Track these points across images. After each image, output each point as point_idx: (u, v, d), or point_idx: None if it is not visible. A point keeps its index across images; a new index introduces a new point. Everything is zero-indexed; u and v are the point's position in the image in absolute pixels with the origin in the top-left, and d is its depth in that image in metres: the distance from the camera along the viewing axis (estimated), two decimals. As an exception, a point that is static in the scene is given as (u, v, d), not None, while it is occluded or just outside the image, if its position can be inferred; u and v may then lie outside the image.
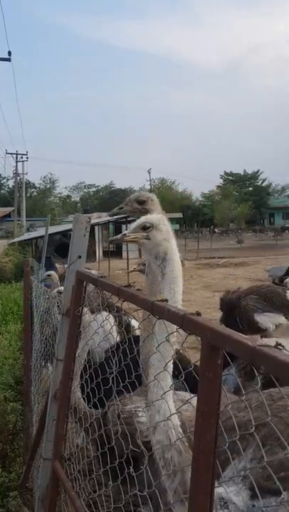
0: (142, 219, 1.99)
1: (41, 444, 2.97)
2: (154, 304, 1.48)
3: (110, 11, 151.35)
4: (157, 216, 2.01)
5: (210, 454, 1.24)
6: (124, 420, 2.22)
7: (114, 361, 2.17)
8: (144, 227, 1.94)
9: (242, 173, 67.49)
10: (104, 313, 2.37)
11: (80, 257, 2.45)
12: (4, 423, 4.14)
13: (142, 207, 2.31)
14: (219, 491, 1.53)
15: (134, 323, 3.94)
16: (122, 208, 2.38)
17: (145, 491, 1.62)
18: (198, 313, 1.33)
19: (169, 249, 1.92)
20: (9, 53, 20.54)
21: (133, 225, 1.99)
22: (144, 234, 1.93)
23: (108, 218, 27.82)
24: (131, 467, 1.76)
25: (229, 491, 1.57)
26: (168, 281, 1.87)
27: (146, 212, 2.32)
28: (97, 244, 28.22)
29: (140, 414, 2.28)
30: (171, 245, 1.94)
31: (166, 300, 1.56)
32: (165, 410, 1.65)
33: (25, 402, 4.26)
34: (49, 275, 5.17)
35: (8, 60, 20.34)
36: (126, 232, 2.00)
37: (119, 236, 1.97)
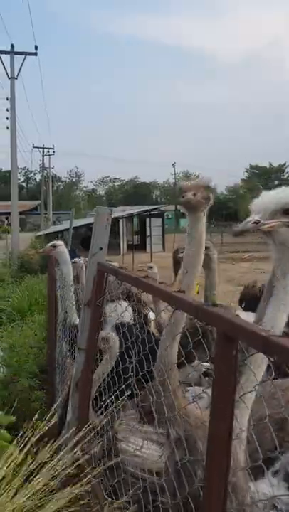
0: (283, 197, 1.41)
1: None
2: (172, 295, 1.51)
3: (124, 4, 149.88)
4: None
5: (224, 446, 1.24)
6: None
7: (133, 352, 2.20)
8: (287, 211, 1.38)
9: (267, 166, 66.47)
10: (124, 303, 2.41)
11: (101, 248, 2.49)
12: (29, 411, 4.24)
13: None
14: (265, 491, 1.48)
15: (152, 315, 3.97)
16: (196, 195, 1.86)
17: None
18: (215, 305, 1.36)
19: None
20: (36, 47, 20.68)
21: (266, 208, 1.39)
22: (287, 220, 1.37)
23: (132, 212, 27.91)
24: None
25: (273, 488, 1.51)
26: None
27: (208, 199, 1.89)
28: (121, 238, 28.37)
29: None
30: None
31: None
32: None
33: (50, 391, 4.35)
34: (74, 262, 4.91)
35: (35, 54, 20.51)
36: (256, 217, 1.38)
37: (249, 225, 1.38)
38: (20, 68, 20.09)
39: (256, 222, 1.36)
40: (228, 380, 1.22)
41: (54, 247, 4.32)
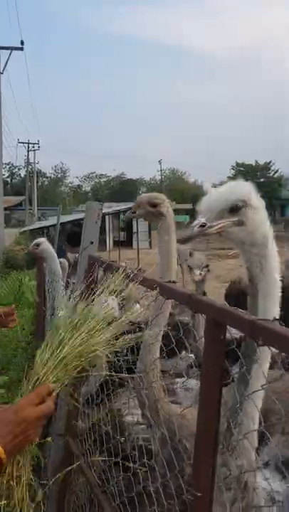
0: (228, 195, 1.30)
1: (53, 422, 3.09)
2: (162, 285, 1.58)
3: (124, 4, 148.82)
4: (245, 186, 1.35)
5: (211, 430, 1.29)
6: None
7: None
8: (234, 208, 1.28)
9: (253, 164, 67.01)
10: (114, 298, 2.45)
11: (92, 242, 2.56)
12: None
13: (155, 209, 2.05)
14: (263, 485, 1.44)
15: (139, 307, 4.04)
16: (135, 212, 2.09)
17: (158, 482, 1.64)
18: (204, 294, 1.44)
19: (267, 233, 1.33)
20: (22, 42, 20.48)
21: (212, 207, 1.27)
22: (235, 219, 1.29)
23: (119, 208, 27.92)
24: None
25: (270, 481, 1.46)
26: (270, 282, 1.35)
27: (161, 214, 2.04)
28: (107, 234, 28.38)
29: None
30: (268, 228, 1.34)
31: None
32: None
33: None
34: (60, 262, 4.99)
35: (21, 49, 20.33)
36: (202, 220, 1.25)
37: (195, 230, 1.26)
38: (6, 63, 19.89)
39: (202, 225, 1.25)
40: (216, 364, 1.29)
41: (37, 245, 4.34)
